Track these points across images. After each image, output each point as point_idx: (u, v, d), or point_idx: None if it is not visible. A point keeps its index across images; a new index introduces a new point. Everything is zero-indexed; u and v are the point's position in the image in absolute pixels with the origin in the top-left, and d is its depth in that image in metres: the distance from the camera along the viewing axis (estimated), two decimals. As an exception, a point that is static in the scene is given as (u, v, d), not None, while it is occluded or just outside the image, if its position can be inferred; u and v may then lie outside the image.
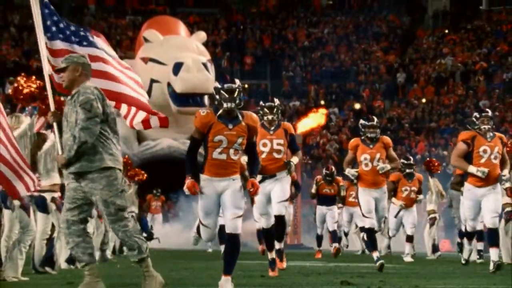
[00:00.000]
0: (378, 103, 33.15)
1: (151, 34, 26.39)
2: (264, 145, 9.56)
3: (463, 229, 13.15)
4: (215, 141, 7.05)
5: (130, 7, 36.35)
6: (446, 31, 36.26)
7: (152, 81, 25.28)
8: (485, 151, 9.96)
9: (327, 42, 36.33)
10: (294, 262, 13.21)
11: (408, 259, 14.90)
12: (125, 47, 33.30)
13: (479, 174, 9.75)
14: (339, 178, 16.51)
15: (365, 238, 10.98)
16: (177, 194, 25.68)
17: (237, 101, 7.13)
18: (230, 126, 7.07)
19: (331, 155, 29.85)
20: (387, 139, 10.91)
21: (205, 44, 27.84)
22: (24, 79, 8.16)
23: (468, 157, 9.91)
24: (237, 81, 7.32)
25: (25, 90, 8.05)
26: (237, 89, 7.16)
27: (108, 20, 35.47)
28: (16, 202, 8.06)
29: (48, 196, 9.37)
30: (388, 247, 18.32)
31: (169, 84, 24.98)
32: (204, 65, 25.13)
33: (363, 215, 10.77)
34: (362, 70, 34.83)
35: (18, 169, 7.03)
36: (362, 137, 10.77)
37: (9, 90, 11.50)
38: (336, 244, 16.73)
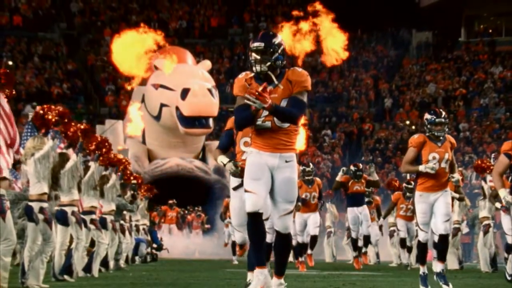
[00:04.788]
0: (368, 126, 33.20)
1: (161, 62, 26.45)
2: (246, 144, 7.01)
3: (509, 241, 11.44)
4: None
5: (142, 38, 36.43)
6: (429, 60, 36.39)
7: (162, 105, 25.34)
8: None
9: (321, 70, 36.42)
10: (290, 271, 13.18)
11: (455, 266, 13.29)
12: (138, 74, 33.33)
13: (508, 199, 7.34)
14: (365, 175, 14.44)
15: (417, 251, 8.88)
16: (186, 206, 25.79)
17: (269, 63, 5.46)
18: (271, 88, 5.50)
19: (325, 173, 29.83)
20: (452, 139, 8.51)
21: (210, 72, 27.92)
22: (45, 108, 8.19)
23: None
24: (277, 37, 5.57)
25: (49, 116, 8.08)
26: (270, 48, 5.47)
27: (122, 50, 35.52)
28: (40, 216, 8.08)
29: (68, 210, 9.37)
30: (377, 256, 18.21)
31: (177, 108, 25.02)
32: (209, 90, 25.18)
33: (418, 226, 8.58)
34: (353, 96, 34.90)
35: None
36: (427, 134, 8.34)
37: (30, 115, 11.57)
38: (367, 250, 14.78)
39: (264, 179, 5.51)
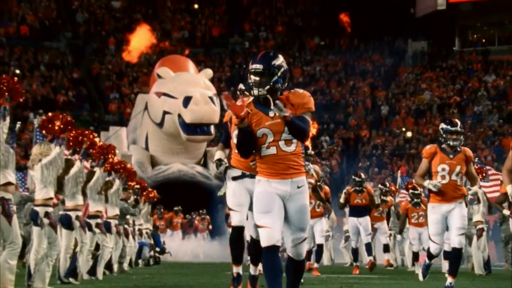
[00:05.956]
0: (365, 132, 33.22)
1: (163, 71, 26.48)
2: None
3: None
4: (259, 136, 5.04)
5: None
6: (424, 69, 36.43)
7: (165, 112, 25.35)
8: None
9: (319, 78, 36.45)
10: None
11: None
12: (141, 82, 33.44)
13: None
14: (369, 187, 14.09)
15: (426, 260, 8.72)
16: (189, 211, 25.81)
17: (268, 86, 5.02)
18: (271, 114, 5.04)
19: (323, 178, 29.81)
20: (469, 151, 8.17)
21: (212, 80, 27.94)
22: (50, 116, 8.21)
23: None
24: (278, 59, 5.11)
25: (56, 124, 8.10)
26: (269, 70, 5.03)
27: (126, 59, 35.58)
28: (45, 220, 8.08)
29: (72, 214, 9.38)
30: (374, 259, 18.12)
31: (179, 115, 25.03)
32: (211, 98, 25.19)
33: (429, 237, 8.36)
34: (350, 103, 34.92)
35: None
36: (442, 145, 8.10)
37: (35, 121, 11.60)
38: (372, 258, 14.44)
39: (276, 209, 5.02)
